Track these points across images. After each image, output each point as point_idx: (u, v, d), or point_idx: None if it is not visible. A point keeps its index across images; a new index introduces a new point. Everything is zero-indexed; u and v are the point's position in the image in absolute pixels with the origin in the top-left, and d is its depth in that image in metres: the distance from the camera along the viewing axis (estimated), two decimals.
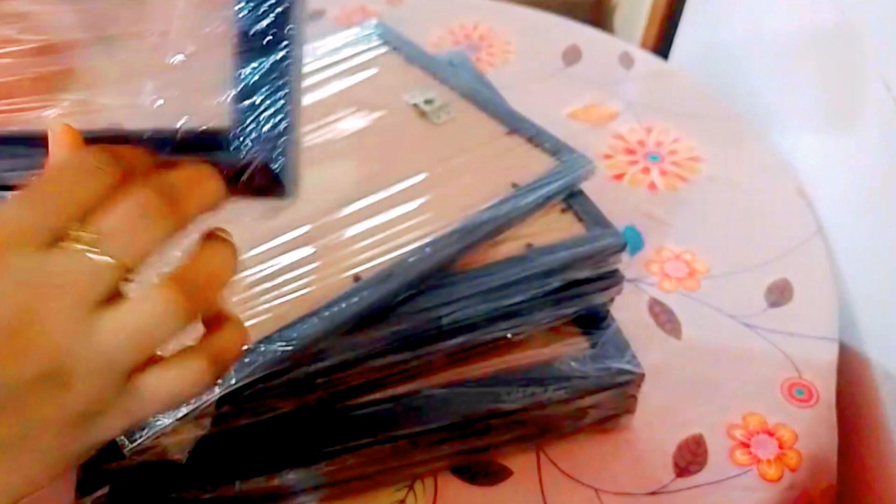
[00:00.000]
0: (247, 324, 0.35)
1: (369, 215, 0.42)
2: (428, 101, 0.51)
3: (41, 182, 0.21)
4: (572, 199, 0.46)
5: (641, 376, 0.41)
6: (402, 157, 0.46)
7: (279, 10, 0.24)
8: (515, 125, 0.49)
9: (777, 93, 0.68)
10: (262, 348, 0.34)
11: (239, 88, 0.24)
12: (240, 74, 0.24)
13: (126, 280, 0.21)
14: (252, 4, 0.25)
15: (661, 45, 0.99)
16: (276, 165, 0.24)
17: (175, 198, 0.22)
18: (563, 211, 0.45)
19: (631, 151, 0.63)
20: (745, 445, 0.43)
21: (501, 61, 0.72)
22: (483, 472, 0.42)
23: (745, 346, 0.49)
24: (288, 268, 0.39)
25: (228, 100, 0.24)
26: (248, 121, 0.24)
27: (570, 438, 0.43)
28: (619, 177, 0.61)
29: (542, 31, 0.76)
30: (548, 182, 0.44)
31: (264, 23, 0.24)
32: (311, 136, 0.48)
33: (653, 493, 0.41)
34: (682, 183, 0.60)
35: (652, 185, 0.60)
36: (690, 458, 0.43)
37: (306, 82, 0.55)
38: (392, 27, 0.60)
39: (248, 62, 0.25)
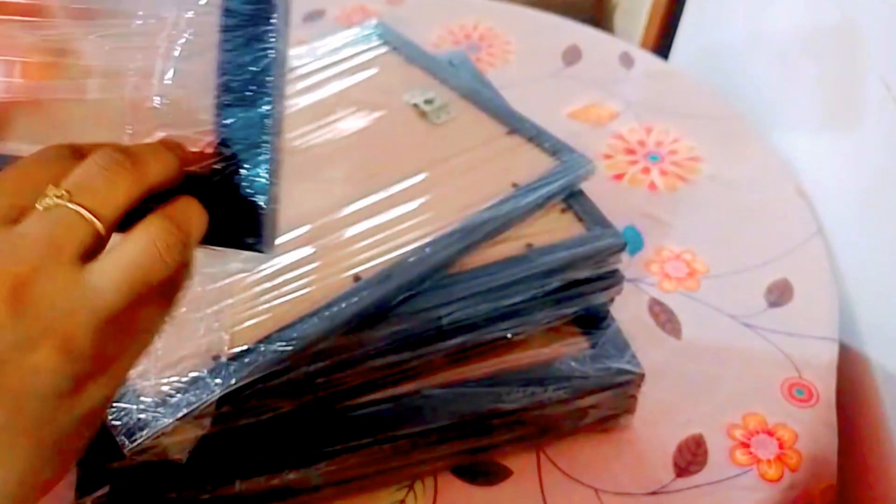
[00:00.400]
0: (247, 324, 0.36)
1: (369, 215, 0.42)
2: (428, 101, 0.51)
3: (4, 171, 0.22)
4: (572, 199, 0.46)
5: (641, 376, 0.41)
6: (402, 157, 0.46)
7: (265, 60, 0.24)
8: (515, 125, 0.49)
9: (777, 93, 0.68)
10: (262, 348, 0.34)
11: (221, 137, 0.25)
12: (222, 123, 0.25)
13: (105, 235, 0.21)
14: (237, 52, 0.25)
15: (661, 45, 0.99)
16: (255, 218, 0.24)
17: (135, 157, 0.22)
18: (563, 211, 0.45)
19: (631, 151, 0.63)
20: (746, 445, 0.43)
21: (501, 61, 0.72)
22: (483, 472, 0.42)
23: (745, 346, 0.49)
24: (288, 268, 0.39)
25: (210, 148, 0.24)
26: (229, 170, 0.24)
27: (570, 438, 0.43)
28: (619, 177, 0.61)
29: (542, 30, 0.76)
30: (548, 182, 0.44)
31: (248, 73, 0.25)
32: (311, 136, 0.48)
33: (653, 493, 0.41)
34: (682, 183, 0.60)
35: (652, 185, 0.60)
36: (690, 458, 0.43)
37: (306, 82, 0.56)
38: (392, 27, 0.60)
39: (230, 113, 0.25)
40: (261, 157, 0.25)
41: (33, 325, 0.20)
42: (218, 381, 0.33)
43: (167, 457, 0.32)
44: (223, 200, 0.24)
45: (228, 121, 0.25)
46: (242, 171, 0.25)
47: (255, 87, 0.25)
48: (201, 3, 0.25)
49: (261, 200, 0.25)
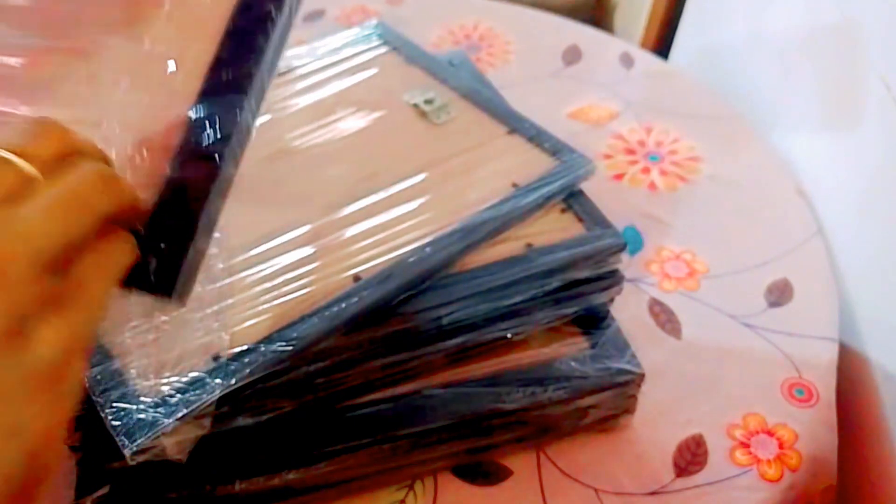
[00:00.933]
0: (247, 324, 0.36)
1: (369, 215, 0.42)
2: (428, 101, 0.51)
3: None
4: (572, 199, 0.46)
5: (641, 376, 0.41)
6: (402, 157, 0.46)
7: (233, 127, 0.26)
8: (515, 125, 0.49)
9: (777, 93, 0.68)
10: (262, 348, 0.34)
11: (161, 194, 0.26)
12: (167, 181, 0.26)
13: (27, 180, 0.21)
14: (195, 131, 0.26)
15: (661, 45, 0.99)
16: (172, 268, 0.25)
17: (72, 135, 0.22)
18: (563, 211, 0.45)
19: (631, 151, 0.63)
20: (745, 445, 0.43)
21: (501, 61, 0.72)
22: (483, 472, 0.42)
23: (745, 346, 0.49)
24: (288, 268, 0.39)
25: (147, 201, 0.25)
26: (156, 224, 0.25)
27: (570, 438, 0.43)
28: (619, 177, 0.61)
29: (542, 31, 0.76)
30: (548, 182, 0.44)
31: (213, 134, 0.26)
32: (311, 136, 0.48)
33: (653, 493, 0.41)
34: (682, 183, 0.60)
35: (652, 185, 0.60)
36: (690, 458, 0.43)
37: (306, 82, 0.56)
38: (392, 27, 0.60)
39: (172, 182, 0.26)
40: (188, 225, 0.26)
41: None
42: (218, 381, 0.33)
43: (167, 457, 0.32)
44: (140, 239, 0.25)
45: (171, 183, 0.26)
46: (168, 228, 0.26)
47: (212, 151, 0.26)
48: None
49: (180, 251, 0.25)
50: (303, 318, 0.36)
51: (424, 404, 0.39)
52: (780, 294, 0.52)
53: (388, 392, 0.40)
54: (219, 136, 0.26)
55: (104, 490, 0.34)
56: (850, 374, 0.52)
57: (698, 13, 0.87)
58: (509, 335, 0.41)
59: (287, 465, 0.37)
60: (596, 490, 0.41)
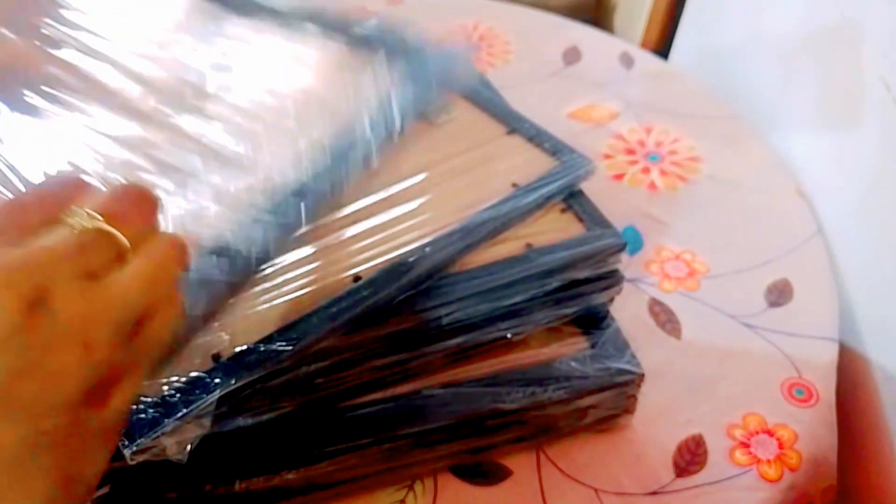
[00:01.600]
0: (247, 323, 0.36)
1: (369, 215, 0.42)
2: None
3: (27, 190, 0.24)
4: (572, 199, 0.46)
5: (641, 376, 0.41)
6: (402, 157, 0.46)
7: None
8: (515, 125, 0.49)
9: (777, 93, 0.68)
10: (262, 348, 0.34)
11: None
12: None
13: (120, 252, 0.22)
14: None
15: (662, 45, 0.99)
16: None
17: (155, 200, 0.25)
18: (563, 211, 0.45)
19: (631, 151, 0.63)
20: (745, 445, 0.43)
21: (501, 61, 0.72)
22: (483, 472, 0.42)
23: (745, 346, 0.49)
24: (288, 268, 0.39)
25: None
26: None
27: (570, 438, 0.43)
28: (619, 177, 0.61)
29: (542, 31, 0.76)
30: (548, 182, 0.44)
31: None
32: None
33: (653, 493, 0.41)
34: (682, 183, 0.60)
35: (652, 185, 0.60)
36: (690, 458, 0.43)
37: None
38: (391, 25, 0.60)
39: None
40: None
41: (57, 329, 0.20)
42: (218, 380, 0.33)
43: (167, 457, 0.32)
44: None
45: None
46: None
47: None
48: None
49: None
50: (303, 319, 0.36)
51: (424, 404, 0.39)
52: (779, 294, 0.52)
53: (388, 392, 0.40)
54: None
55: (104, 490, 0.34)
56: (850, 374, 0.52)
57: (698, 13, 0.87)
58: (509, 335, 0.41)
59: (287, 465, 0.37)
60: (596, 490, 0.41)
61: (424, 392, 0.40)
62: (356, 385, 0.39)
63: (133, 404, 0.23)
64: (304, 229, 0.32)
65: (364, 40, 0.39)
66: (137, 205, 0.24)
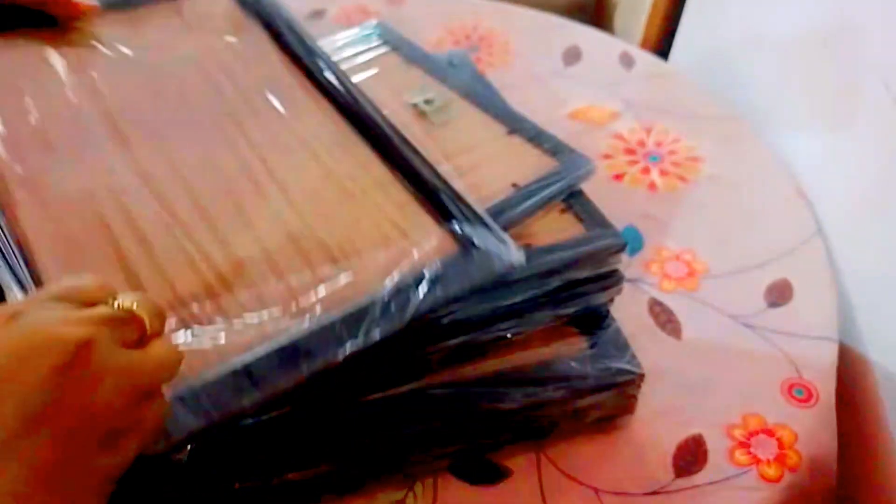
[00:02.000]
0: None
1: None
2: (428, 102, 0.51)
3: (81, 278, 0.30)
4: (572, 199, 0.46)
5: (641, 376, 0.41)
6: None
7: None
8: (516, 125, 0.49)
9: (777, 93, 0.68)
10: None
11: None
12: None
13: (143, 334, 0.28)
14: None
15: (662, 45, 0.99)
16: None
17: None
18: (563, 211, 0.45)
19: (631, 151, 0.63)
20: (745, 445, 0.43)
21: (501, 61, 0.72)
22: (483, 472, 0.42)
23: (744, 346, 0.49)
24: None
25: None
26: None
27: (569, 438, 0.43)
28: (619, 177, 0.61)
29: (542, 31, 0.76)
30: (548, 182, 0.44)
31: None
32: None
33: (652, 493, 0.41)
34: (682, 183, 0.60)
35: (652, 186, 0.60)
36: (690, 458, 0.43)
37: None
38: (392, 27, 0.60)
39: None
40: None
41: (93, 373, 0.25)
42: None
43: (168, 456, 0.32)
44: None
45: None
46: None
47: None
48: None
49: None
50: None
51: (424, 404, 0.39)
52: (779, 294, 0.52)
53: (388, 392, 0.40)
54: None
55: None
56: (850, 375, 0.52)
57: (698, 14, 0.87)
58: (509, 335, 0.41)
59: (286, 465, 0.37)
60: (596, 490, 0.41)
61: (424, 392, 0.40)
62: (356, 385, 0.39)
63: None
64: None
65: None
66: (159, 312, 0.30)
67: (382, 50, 0.57)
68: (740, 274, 0.53)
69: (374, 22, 0.61)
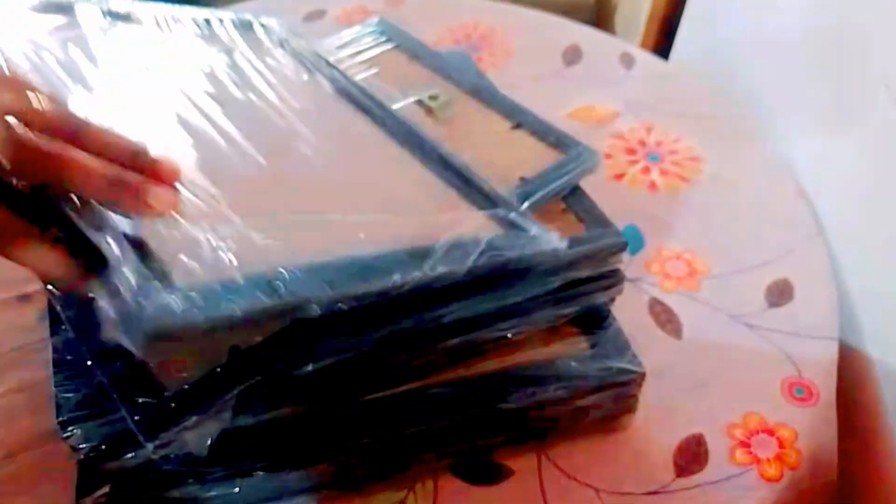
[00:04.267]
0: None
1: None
2: (432, 98, 0.51)
3: None
4: (573, 198, 0.46)
5: (642, 376, 0.41)
6: None
7: None
8: (520, 119, 0.49)
9: (777, 93, 0.68)
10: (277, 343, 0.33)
11: None
12: None
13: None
14: None
15: (662, 45, 0.99)
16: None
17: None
18: (564, 211, 0.45)
19: (631, 151, 0.63)
20: (746, 445, 0.44)
21: (502, 61, 0.72)
22: (483, 472, 0.42)
23: (745, 345, 0.49)
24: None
25: None
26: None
27: (570, 438, 0.43)
28: (620, 177, 0.61)
29: (543, 30, 0.76)
30: (555, 175, 0.44)
31: None
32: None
33: (653, 493, 0.41)
34: (683, 183, 0.60)
35: (652, 185, 0.60)
36: (691, 457, 0.43)
37: None
38: (394, 24, 0.60)
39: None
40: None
41: None
42: (237, 375, 0.32)
43: (189, 450, 0.32)
44: None
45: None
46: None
47: None
48: None
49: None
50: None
51: (424, 404, 0.39)
52: (780, 294, 0.52)
53: (388, 391, 0.40)
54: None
55: (104, 490, 0.34)
56: (851, 374, 0.53)
57: (698, 13, 0.87)
58: (509, 335, 0.41)
59: (287, 465, 0.37)
60: (596, 490, 0.41)
61: (424, 392, 0.40)
62: (356, 384, 0.39)
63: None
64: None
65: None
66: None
67: (386, 47, 0.57)
68: (741, 273, 0.53)
69: (376, 19, 0.61)
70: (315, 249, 0.33)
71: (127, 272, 0.29)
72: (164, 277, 0.30)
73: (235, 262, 0.31)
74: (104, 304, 0.29)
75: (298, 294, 0.31)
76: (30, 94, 0.31)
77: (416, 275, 0.33)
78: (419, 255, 0.34)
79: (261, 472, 0.37)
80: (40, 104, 0.31)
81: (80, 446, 0.35)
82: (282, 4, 0.80)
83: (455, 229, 0.36)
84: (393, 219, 0.37)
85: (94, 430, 0.35)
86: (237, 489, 0.36)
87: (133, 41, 0.47)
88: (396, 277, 0.33)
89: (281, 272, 0.31)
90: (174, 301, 0.28)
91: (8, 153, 0.30)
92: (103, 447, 0.33)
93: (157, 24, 0.49)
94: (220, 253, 0.31)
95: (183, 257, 0.31)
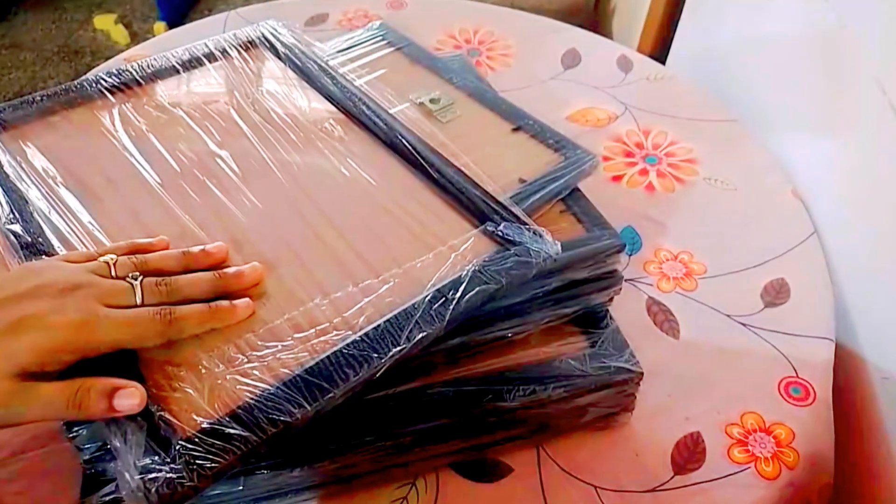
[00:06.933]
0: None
1: None
2: (433, 101, 0.51)
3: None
4: (571, 200, 0.46)
5: (640, 375, 0.42)
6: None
7: None
8: (519, 122, 0.50)
9: (773, 95, 0.68)
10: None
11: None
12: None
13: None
14: None
15: (659, 48, 0.99)
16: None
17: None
18: (563, 212, 0.46)
19: (629, 154, 0.64)
20: (743, 443, 0.44)
21: (501, 65, 0.73)
22: (484, 470, 0.42)
23: (742, 345, 0.49)
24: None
25: None
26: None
27: (569, 436, 0.44)
28: (618, 178, 0.61)
29: (542, 35, 0.77)
30: (554, 177, 0.45)
31: None
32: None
33: (651, 491, 0.42)
34: (680, 185, 0.61)
35: (650, 187, 0.61)
36: (688, 455, 0.43)
37: None
38: (395, 28, 0.60)
39: None
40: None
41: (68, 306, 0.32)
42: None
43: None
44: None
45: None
46: None
47: None
48: None
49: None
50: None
51: (426, 403, 0.40)
52: (776, 294, 0.52)
53: (390, 391, 0.40)
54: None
55: (109, 489, 0.35)
56: (846, 373, 0.53)
57: (695, 17, 0.88)
58: (510, 335, 0.41)
59: (289, 463, 0.37)
60: (595, 487, 0.42)
61: (426, 390, 0.40)
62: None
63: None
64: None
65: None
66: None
67: (387, 51, 0.58)
68: (737, 274, 0.54)
69: (377, 23, 0.61)
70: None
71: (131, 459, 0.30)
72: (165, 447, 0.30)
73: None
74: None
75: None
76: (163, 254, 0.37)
77: (392, 351, 0.34)
78: (397, 324, 0.35)
79: (264, 470, 0.37)
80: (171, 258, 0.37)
81: (86, 446, 0.36)
82: (284, 9, 0.80)
83: (439, 271, 0.37)
84: (374, 290, 0.37)
85: (98, 430, 0.35)
86: (240, 486, 0.37)
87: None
88: (375, 361, 0.34)
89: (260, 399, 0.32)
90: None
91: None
92: (107, 447, 0.33)
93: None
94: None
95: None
